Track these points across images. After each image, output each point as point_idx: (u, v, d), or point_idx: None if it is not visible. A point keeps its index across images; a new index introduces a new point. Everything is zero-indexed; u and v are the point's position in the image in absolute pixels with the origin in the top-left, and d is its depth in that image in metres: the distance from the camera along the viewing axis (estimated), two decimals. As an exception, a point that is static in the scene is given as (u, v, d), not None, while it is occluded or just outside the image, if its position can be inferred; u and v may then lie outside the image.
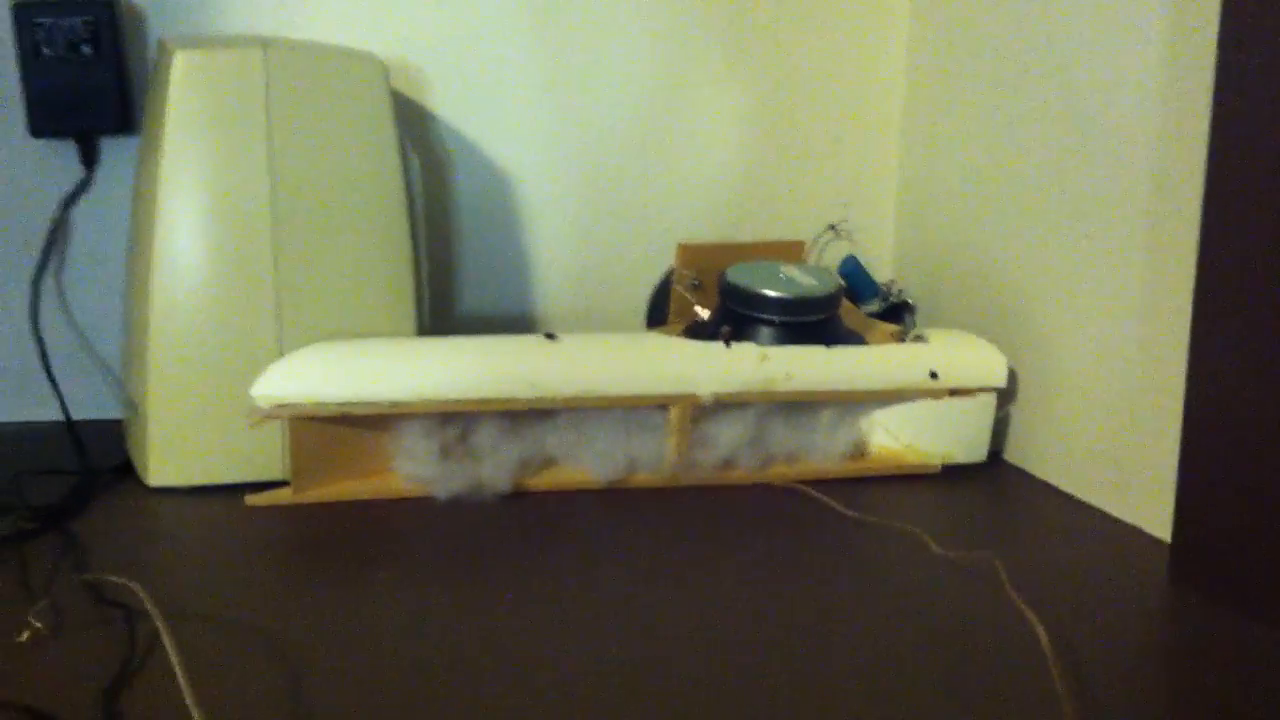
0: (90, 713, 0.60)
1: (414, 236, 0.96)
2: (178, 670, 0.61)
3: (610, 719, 0.61)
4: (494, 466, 0.92)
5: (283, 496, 0.90)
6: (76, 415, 1.02)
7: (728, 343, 0.97)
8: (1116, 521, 0.90)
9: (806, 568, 0.80)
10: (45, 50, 0.98)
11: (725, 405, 0.95)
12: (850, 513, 0.89)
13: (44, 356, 1.02)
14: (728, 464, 0.96)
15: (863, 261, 1.16)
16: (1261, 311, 0.73)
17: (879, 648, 0.69)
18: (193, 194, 0.89)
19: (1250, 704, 0.64)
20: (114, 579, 0.74)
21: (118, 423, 1.03)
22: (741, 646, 0.69)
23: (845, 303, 1.07)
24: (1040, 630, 0.69)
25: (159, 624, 0.65)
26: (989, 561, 0.80)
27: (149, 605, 0.68)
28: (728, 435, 0.96)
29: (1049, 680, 0.65)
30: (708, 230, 1.17)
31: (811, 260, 1.18)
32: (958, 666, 0.67)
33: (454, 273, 1.13)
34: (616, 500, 0.92)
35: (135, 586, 0.72)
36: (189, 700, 0.59)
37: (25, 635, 0.68)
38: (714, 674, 0.66)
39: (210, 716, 0.59)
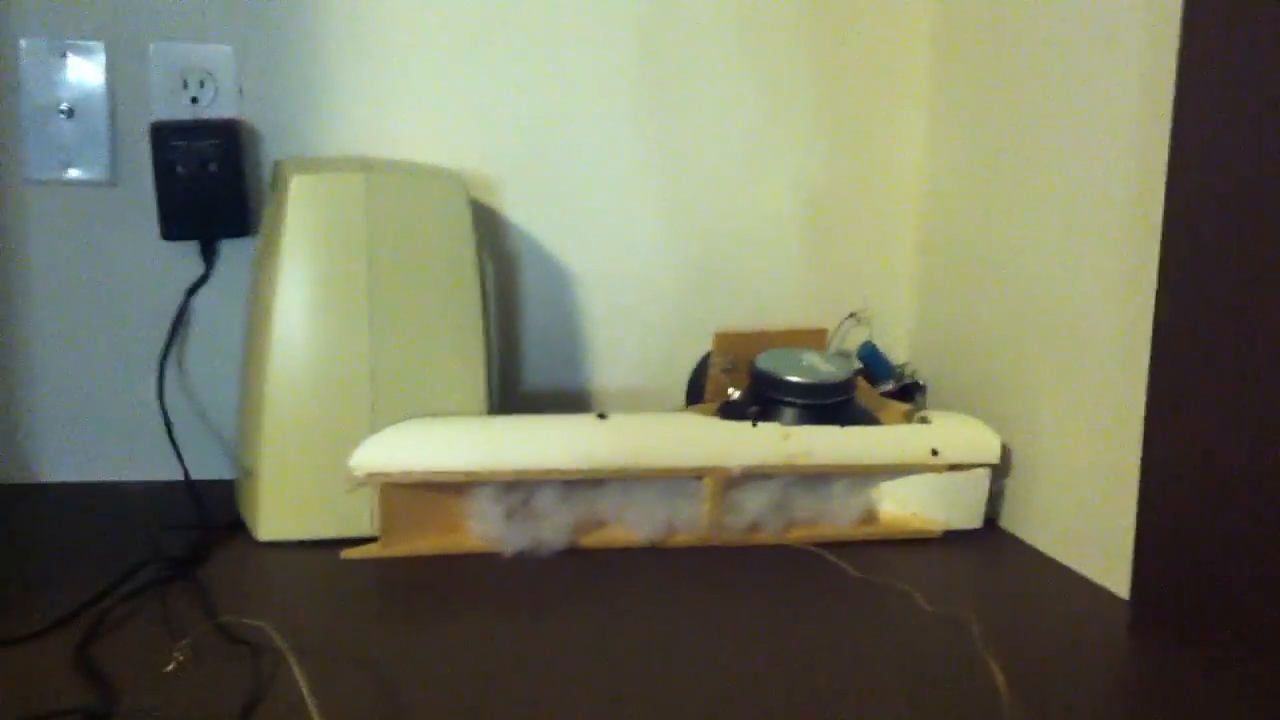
0: (232, 725, 0.76)
1: (486, 327, 1.12)
2: (305, 693, 0.76)
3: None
4: (552, 527, 1.08)
5: (373, 550, 1.06)
6: (195, 476, 1.19)
7: (755, 422, 1.12)
8: (1089, 582, 1.04)
9: (813, 618, 0.95)
10: (179, 168, 1.15)
11: (752, 476, 1.10)
12: (855, 573, 1.04)
13: (168, 425, 1.19)
14: (754, 527, 1.11)
15: (879, 346, 1.31)
16: (1210, 387, 0.87)
17: (858, 685, 0.84)
18: (304, 291, 1.06)
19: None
20: (241, 619, 0.91)
21: (229, 483, 1.19)
22: (751, 678, 0.84)
23: (861, 383, 1.23)
24: (998, 675, 0.83)
25: (288, 656, 0.81)
26: (965, 616, 0.94)
27: (277, 640, 0.84)
28: (754, 503, 1.11)
29: (999, 713, 0.79)
30: (744, 313, 1.32)
31: (834, 343, 1.33)
32: (920, 701, 0.81)
33: (520, 357, 1.29)
34: (657, 557, 1.08)
35: (263, 624, 0.88)
36: (315, 714, 0.74)
37: (171, 666, 0.84)
38: (725, 697, 0.81)
39: (329, 729, 0.75)
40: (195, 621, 0.91)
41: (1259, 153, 0.83)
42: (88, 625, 0.89)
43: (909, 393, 1.30)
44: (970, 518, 1.16)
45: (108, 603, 0.93)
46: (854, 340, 1.34)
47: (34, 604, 0.93)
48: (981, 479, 1.15)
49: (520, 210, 1.26)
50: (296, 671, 0.79)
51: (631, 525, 1.09)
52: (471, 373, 1.11)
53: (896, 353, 1.35)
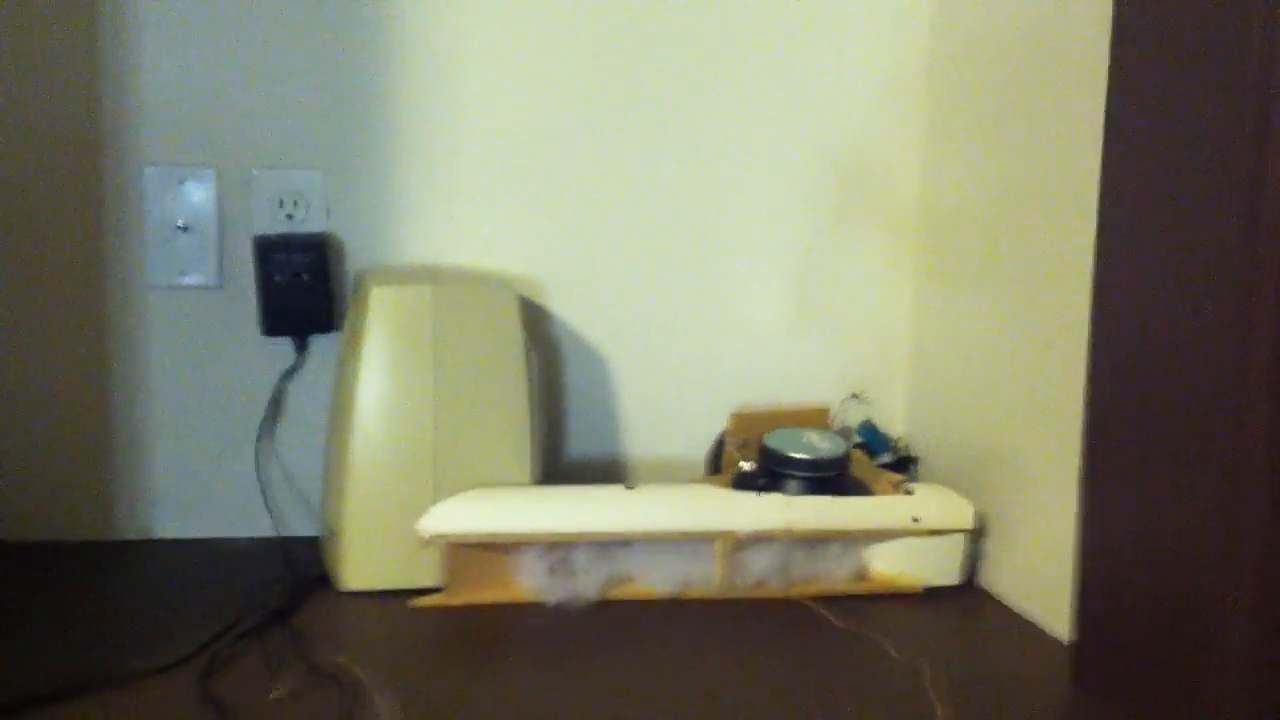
0: (327, 742, 0.96)
1: (532, 409, 1.32)
2: (394, 711, 0.96)
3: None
4: (587, 582, 1.27)
5: (438, 600, 1.26)
6: (286, 534, 1.40)
7: (760, 492, 1.31)
8: (1044, 633, 1.22)
9: (797, 662, 1.15)
10: (277, 277, 1.37)
11: (758, 540, 1.29)
12: (840, 624, 1.23)
13: (263, 489, 1.40)
14: (759, 583, 1.30)
15: (877, 423, 1.50)
16: (1158, 448, 1.06)
17: (823, 713, 1.03)
18: (380, 381, 1.27)
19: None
20: (329, 658, 1.11)
21: (315, 540, 1.39)
22: (741, 707, 1.03)
23: (859, 455, 1.42)
24: (939, 710, 1.02)
25: (369, 689, 1.02)
26: (922, 661, 1.13)
27: (359, 676, 1.04)
28: (760, 562, 1.30)
29: (946, 743, 0.98)
30: (758, 391, 1.51)
31: (838, 419, 1.52)
32: (888, 732, 1.00)
33: (563, 431, 1.49)
34: (675, 608, 1.27)
35: (347, 662, 1.08)
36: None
37: (274, 697, 1.05)
38: (708, 710, 1.00)
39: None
40: (291, 660, 1.12)
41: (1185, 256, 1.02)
42: (205, 663, 1.10)
43: (904, 464, 1.48)
44: (948, 575, 1.34)
45: (219, 644, 1.14)
46: (857, 416, 1.52)
47: (156, 644, 1.14)
48: (958, 542, 1.33)
49: (563, 305, 1.47)
50: (376, 702, 0.99)
51: (654, 581, 1.29)
52: (519, 449, 1.31)
53: (895, 426, 1.54)
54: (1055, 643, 1.20)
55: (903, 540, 1.32)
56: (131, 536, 1.43)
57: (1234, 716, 0.96)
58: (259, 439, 1.41)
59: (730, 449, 1.41)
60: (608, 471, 1.49)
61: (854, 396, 1.53)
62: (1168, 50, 1.02)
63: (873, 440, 1.48)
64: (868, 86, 1.50)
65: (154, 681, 1.07)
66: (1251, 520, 0.95)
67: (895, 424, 1.54)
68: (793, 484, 1.33)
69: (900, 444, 1.50)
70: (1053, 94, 1.23)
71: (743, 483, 1.35)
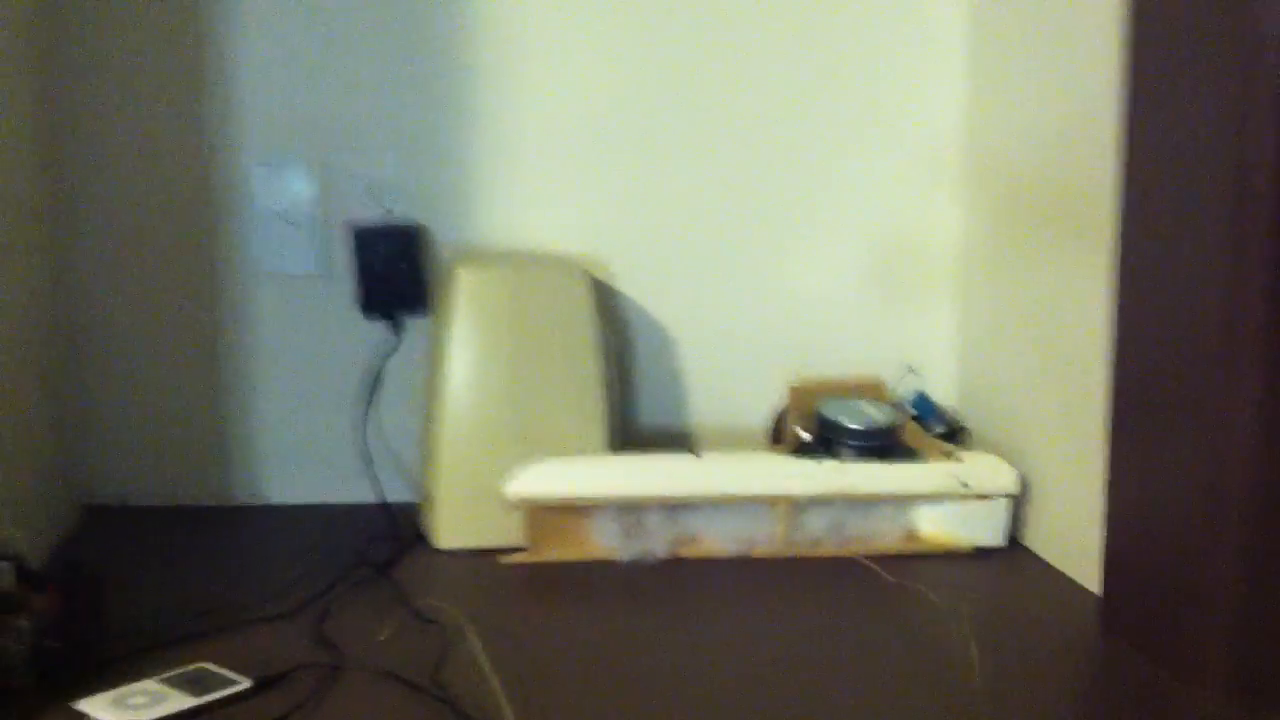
0: (426, 678, 1.09)
1: (606, 382, 1.44)
2: (479, 654, 1.10)
3: (723, 698, 1.08)
4: (656, 541, 1.39)
5: (522, 557, 1.39)
6: (389, 499, 1.54)
7: (819, 459, 1.43)
8: (1081, 587, 1.32)
9: (850, 611, 1.26)
10: (375, 264, 1.51)
11: (816, 502, 1.41)
12: (890, 578, 1.34)
13: (367, 459, 1.54)
14: (816, 543, 1.42)
15: (930, 395, 1.61)
16: (1167, 422, 1.16)
17: (868, 657, 1.14)
18: (469, 358, 1.40)
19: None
20: (428, 603, 1.24)
21: (413, 505, 1.53)
22: (798, 653, 1.15)
23: (912, 425, 1.52)
24: (974, 652, 1.13)
25: (466, 630, 1.15)
26: (963, 610, 1.24)
27: (456, 619, 1.18)
28: (817, 523, 1.41)
29: (975, 686, 1.09)
30: (823, 360, 1.62)
31: (892, 390, 1.62)
32: (910, 669, 1.11)
33: (636, 402, 1.61)
34: (739, 566, 1.38)
35: (445, 606, 1.21)
36: (487, 669, 1.08)
37: (384, 635, 1.18)
38: (779, 660, 1.12)
39: (502, 680, 1.07)
40: (395, 607, 1.25)
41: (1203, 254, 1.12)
42: (320, 609, 1.24)
43: (954, 434, 1.59)
44: (994, 537, 1.44)
45: (331, 594, 1.28)
46: (912, 388, 1.63)
47: (275, 594, 1.28)
48: (1002, 506, 1.44)
49: (632, 285, 1.59)
50: (471, 640, 1.12)
51: (718, 540, 1.41)
52: (593, 420, 1.43)
53: (947, 398, 1.64)
54: (1087, 595, 1.30)
55: (950, 503, 1.43)
56: (245, 502, 1.57)
57: (1232, 656, 1.07)
58: (359, 412, 1.55)
59: (789, 418, 1.52)
60: (675, 440, 1.61)
61: (909, 370, 1.63)
62: (1177, 104, 1.12)
63: (925, 411, 1.59)
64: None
65: (275, 625, 1.20)
66: (1238, 480, 1.06)
67: (947, 396, 1.64)
68: (847, 451, 1.44)
69: (952, 415, 1.60)
70: (1078, 171, 1.33)
71: (801, 450, 1.46)
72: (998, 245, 1.55)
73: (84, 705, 1.02)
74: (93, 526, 1.49)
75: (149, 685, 1.06)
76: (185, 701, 1.03)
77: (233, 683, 1.06)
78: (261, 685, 1.06)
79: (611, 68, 1.56)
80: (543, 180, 1.56)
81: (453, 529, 1.41)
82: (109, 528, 1.49)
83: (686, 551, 1.40)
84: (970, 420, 1.60)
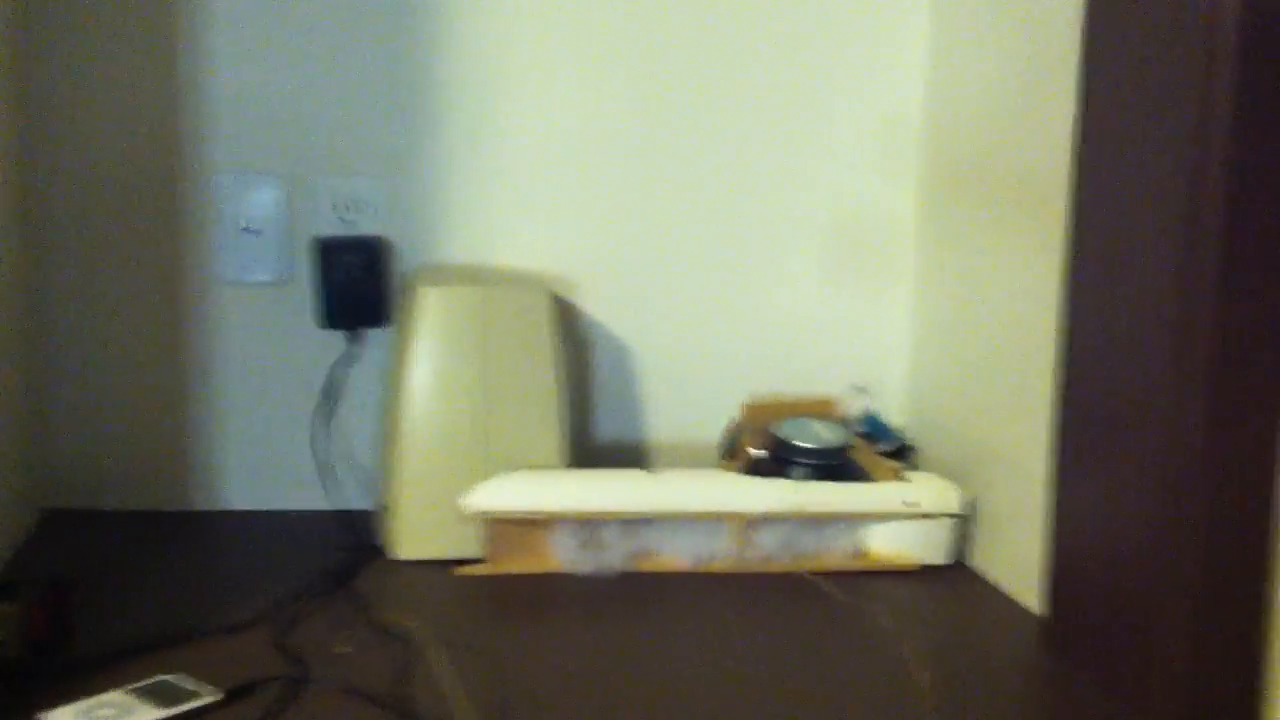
0: (387, 690, 1.11)
1: (563, 399, 1.47)
2: (443, 667, 1.12)
3: (677, 710, 1.11)
4: (614, 555, 1.42)
5: (481, 569, 1.41)
6: (343, 507, 1.55)
7: (769, 477, 1.46)
8: (1021, 608, 1.37)
9: (799, 628, 1.30)
10: (337, 274, 1.52)
11: (768, 520, 1.44)
12: (839, 596, 1.38)
13: (320, 468, 1.56)
14: (767, 559, 1.45)
15: (879, 414, 1.65)
16: (1117, 441, 1.20)
17: (816, 674, 1.18)
18: (429, 372, 1.41)
19: None
20: (387, 617, 1.26)
21: (369, 513, 1.54)
22: (747, 665, 1.18)
23: (861, 444, 1.56)
24: (923, 675, 1.17)
25: (426, 644, 1.17)
26: (908, 631, 1.28)
27: (415, 632, 1.20)
28: (769, 540, 1.45)
29: (919, 703, 1.12)
30: (776, 378, 1.66)
31: (842, 411, 1.66)
32: (857, 687, 1.15)
33: (592, 417, 1.63)
34: (692, 580, 1.41)
35: (404, 620, 1.23)
36: (449, 684, 1.10)
37: (344, 647, 1.20)
38: (730, 674, 1.15)
39: (464, 694, 1.10)
40: (354, 617, 1.27)
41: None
42: (283, 619, 1.25)
43: (902, 452, 1.63)
44: (938, 555, 1.48)
45: (292, 604, 1.29)
46: (861, 407, 1.67)
47: (233, 603, 1.29)
48: (947, 525, 1.48)
49: (592, 303, 1.61)
50: (431, 654, 1.15)
51: (673, 555, 1.43)
52: (552, 435, 1.46)
53: (896, 416, 1.68)
54: (1030, 615, 1.34)
55: (898, 522, 1.47)
56: (205, 508, 1.58)
57: (1177, 679, 1.11)
58: (318, 421, 1.56)
59: (743, 436, 1.55)
60: (630, 454, 1.64)
61: (858, 389, 1.67)
62: (1131, 103, 1.16)
63: (875, 430, 1.63)
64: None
65: (238, 635, 1.22)
66: (1188, 503, 1.09)
67: (896, 415, 1.68)
68: (799, 470, 1.48)
69: (900, 433, 1.64)
70: (1030, 167, 1.37)
71: (753, 468, 1.50)
72: (953, 235, 1.58)
73: (50, 718, 1.03)
74: (52, 530, 1.50)
75: (116, 697, 1.07)
76: (153, 714, 1.04)
77: (199, 695, 1.08)
78: (227, 698, 1.08)
79: (579, 93, 1.58)
80: (508, 200, 1.58)
81: (412, 540, 1.43)
82: (68, 532, 1.49)
83: (643, 565, 1.43)
84: (919, 438, 1.64)
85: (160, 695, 1.07)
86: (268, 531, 1.53)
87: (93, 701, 1.06)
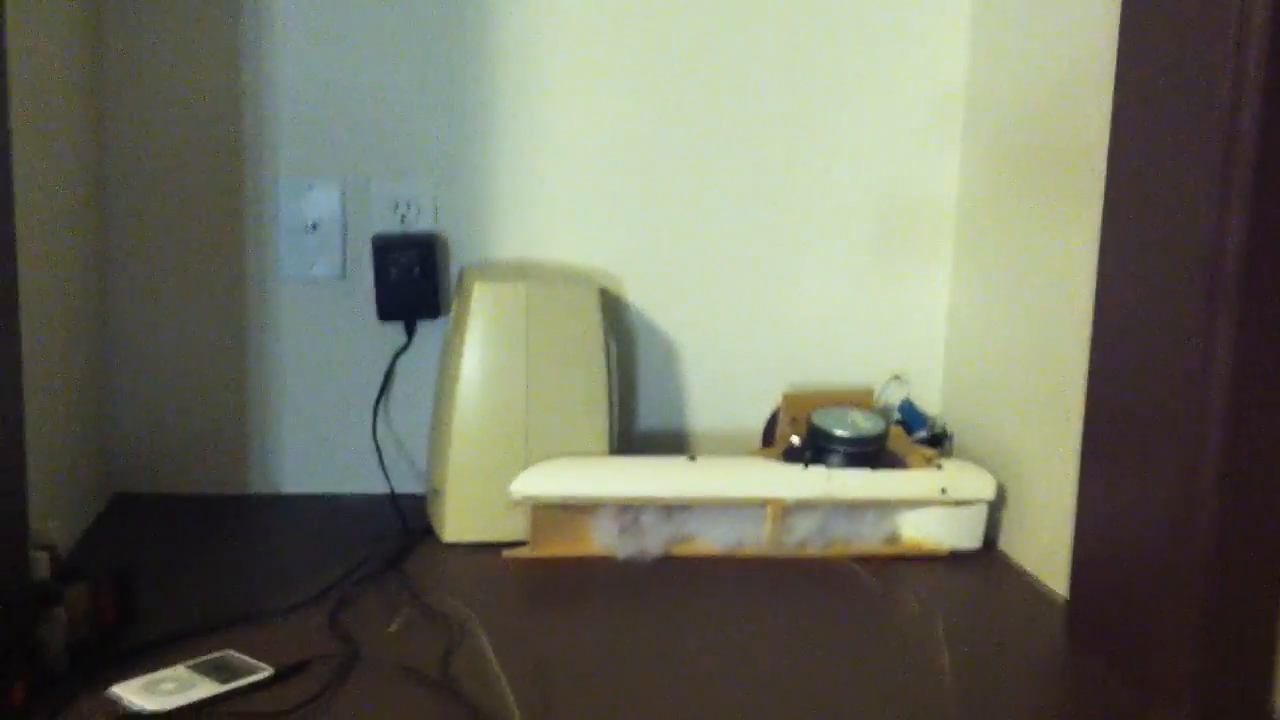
0: (436, 670, 1.18)
1: (609, 388, 1.52)
2: (485, 645, 1.18)
3: (711, 688, 1.17)
4: (653, 539, 1.48)
5: (524, 552, 1.47)
6: (395, 491, 1.63)
7: (806, 465, 1.51)
8: (1047, 592, 1.41)
9: (833, 612, 1.35)
10: (392, 271, 1.58)
11: (803, 506, 1.49)
12: (872, 580, 1.42)
13: (378, 453, 1.63)
14: (803, 544, 1.50)
15: (915, 402, 1.69)
16: (1138, 439, 1.24)
17: (845, 656, 1.23)
18: (480, 363, 1.47)
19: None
20: (436, 597, 1.33)
21: (420, 497, 1.61)
22: (781, 647, 1.24)
23: (897, 431, 1.60)
24: (946, 659, 1.21)
25: (473, 622, 1.24)
26: (937, 615, 1.32)
27: (462, 612, 1.26)
28: (804, 526, 1.49)
29: (943, 687, 1.17)
30: (815, 368, 1.71)
31: (880, 400, 1.70)
32: (888, 669, 1.20)
33: (635, 407, 1.69)
34: (729, 565, 1.47)
35: (452, 600, 1.30)
36: (494, 663, 1.16)
37: (393, 628, 1.27)
38: (766, 654, 1.21)
39: (508, 673, 1.16)
40: (405, 598, 1.34)
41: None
42: (334, 600, 1.32)
43: (938, 440, 1.67)
44: (971, 541, 1.53)
45: (344, 585, 1.36)
46: (898, 396, 1.71)
47: (290, 585, 1.36)
48: (980, 511, 1.52)
49: (638, 296, 1.67)
50: (477, 634, 1.21)
51: (711, 540, 1.49)
52: (597, 423, 1.52)
53: (932, 405, 1.72)
54: (1055, 601, 1.38)
55: (931, 509, 1.51)
56: (263, 491, 1.66)
57: (1191, 664, 1.15)
58: (373, 409, 1.63)
59: (782, 425, 1.60)
60: (673, 442, 1.69)
61: (895, 378, 1.71)
62: (1161, 91, 1.19)
63: (911, 418, 1.67)
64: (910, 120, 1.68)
65: (293, 614, 1.29)
66: (1205, 498, 1.13)
67: (932, 404, 1.72)
68: (835, 457, 1.52)
69: (935, 422, 1.68)
70: (1069, 158, 1.40)
71: (791, 456, 1.54)
72: (992, 224, 1.61)
73: (118, 690, 1.11)
74: (119, 512, 1.58)
75: (177, 671, 1.14)
76: (212, 688, 1.11)
77: (255, 670, 1.15)
78: (282, 674, 1.15)
79: (621, 96, 1.64)
80: (555, 197, 1.64)
81: (460, 523, 1.50)
82: (134, 514, 1.58)
83: (680, 550, 1.49)
84: (955, 426, 1.68)
85: (218, 670, 1.15)
86: (323, 515, 1.60)
87: (156, 676, 1.13)
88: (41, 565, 1.18)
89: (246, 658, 1.17)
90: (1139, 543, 1.21)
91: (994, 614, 1.38)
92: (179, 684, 1.12)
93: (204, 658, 1.17)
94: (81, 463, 1.51)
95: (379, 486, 1.63)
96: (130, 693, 1.10)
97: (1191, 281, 1.14)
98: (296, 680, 1.15)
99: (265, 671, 1.15)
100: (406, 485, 1.64)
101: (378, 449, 1.63)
